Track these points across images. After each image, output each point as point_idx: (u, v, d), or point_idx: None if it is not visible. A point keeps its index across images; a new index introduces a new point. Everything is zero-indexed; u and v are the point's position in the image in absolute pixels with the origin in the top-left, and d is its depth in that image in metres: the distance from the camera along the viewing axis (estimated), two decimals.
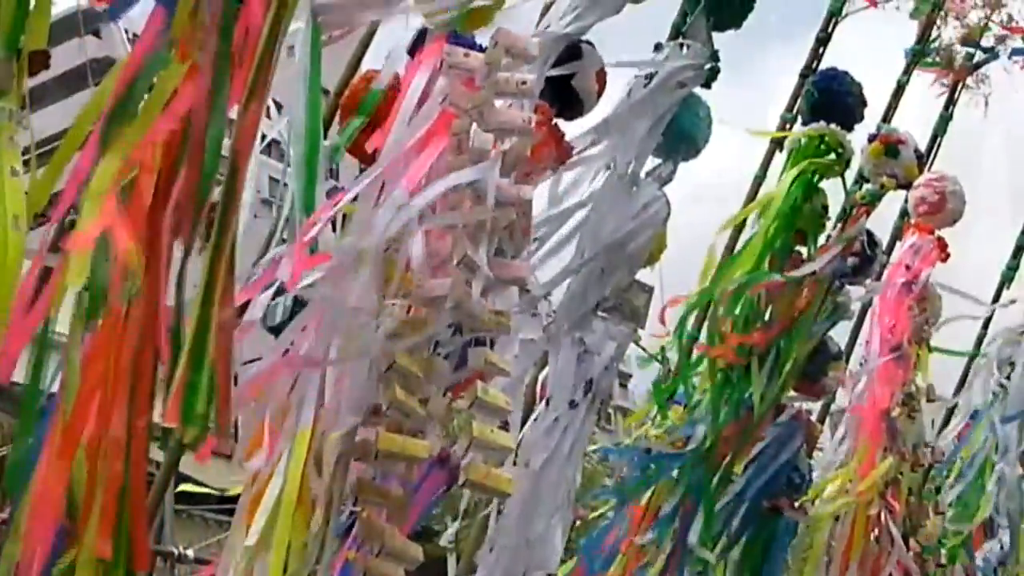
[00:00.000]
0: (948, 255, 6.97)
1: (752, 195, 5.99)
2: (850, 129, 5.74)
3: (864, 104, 5.85)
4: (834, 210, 5.77)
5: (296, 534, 3.19)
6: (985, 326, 8.07)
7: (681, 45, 4.81)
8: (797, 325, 5.60)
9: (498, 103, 3.28)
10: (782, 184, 5.60)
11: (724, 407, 5.43)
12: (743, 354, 5.45)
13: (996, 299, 8.06)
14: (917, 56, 7.78)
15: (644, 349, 5.46)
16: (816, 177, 5.62)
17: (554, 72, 4.07)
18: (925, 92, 8.12)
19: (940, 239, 6.91)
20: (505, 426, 3.57)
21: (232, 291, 2.70)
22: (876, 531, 6.45)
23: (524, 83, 3.28)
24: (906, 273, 6.72)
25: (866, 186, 5.99)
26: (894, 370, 6.50)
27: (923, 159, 6.30)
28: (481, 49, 3.39)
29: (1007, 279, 8.17)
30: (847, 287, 5.96)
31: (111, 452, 2.57)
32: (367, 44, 5.14)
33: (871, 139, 6.08)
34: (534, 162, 3.51)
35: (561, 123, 4.17)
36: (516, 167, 3.30)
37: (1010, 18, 8.68)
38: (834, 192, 5.77)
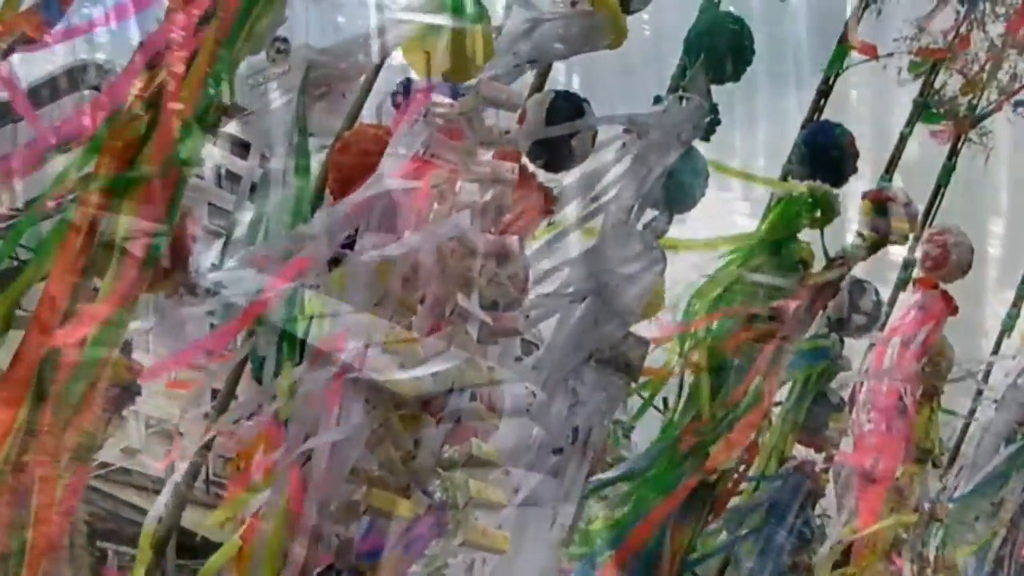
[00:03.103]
0: (956, 308, 6.85)
1: None
2: (839, 181, 5.62)
3: (855, 156, 5.68)
4: None
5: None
6: (984, 379, 7.95)
7: (680, 98, 4.79)
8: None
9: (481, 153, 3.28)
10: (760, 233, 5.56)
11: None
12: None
13: (996, 350, 7.96)
14: (920, 108, 7.78)
15: (644, 397, 5.42)
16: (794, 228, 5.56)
17: (558, 131, 4.05)
18: None
19: (944, 293, 6.81)
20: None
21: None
22: None
23: (507, 132, 3.27)
24: (906, 330, 6.63)
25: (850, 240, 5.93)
26: (883, 426, 6.41)
27: (916, 215, 6.22)
28: None
29: (1007, 328, 8.08)
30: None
31: None
32: (365, 97, 5.15)
33: (863, 196, 6.02)
34: (518, 211, 3.50)
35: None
36: (500, 217, 3.29)
37: (1015, 76, 8.73)
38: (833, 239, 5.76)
